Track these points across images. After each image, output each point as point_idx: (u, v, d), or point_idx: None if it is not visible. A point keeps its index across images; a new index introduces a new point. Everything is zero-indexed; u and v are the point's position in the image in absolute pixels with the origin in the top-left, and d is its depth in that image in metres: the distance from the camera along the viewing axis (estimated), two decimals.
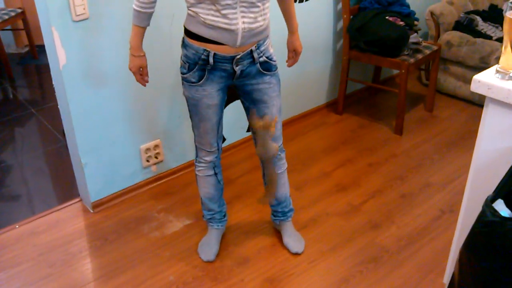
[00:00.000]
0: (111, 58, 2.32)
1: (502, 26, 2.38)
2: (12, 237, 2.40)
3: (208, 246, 2.27)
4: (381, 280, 2.13)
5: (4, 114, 3.61)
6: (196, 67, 1.85)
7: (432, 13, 3.58)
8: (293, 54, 2.18)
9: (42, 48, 2.66)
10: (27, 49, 4.66)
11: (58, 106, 2.43)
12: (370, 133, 3.24)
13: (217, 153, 2.11)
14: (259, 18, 1.78)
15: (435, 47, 3.27)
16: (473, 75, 1.50)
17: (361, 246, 2.31)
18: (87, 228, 2.46)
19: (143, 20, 1.84)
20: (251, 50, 1.84)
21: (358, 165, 2.91)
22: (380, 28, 3.02)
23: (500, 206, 1.27)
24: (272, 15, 1.90)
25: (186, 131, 2.74)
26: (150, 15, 1.84)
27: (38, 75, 4.34)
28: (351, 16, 3.18)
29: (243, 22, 1.75)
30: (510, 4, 1.38)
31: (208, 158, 2.10)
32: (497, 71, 1.45)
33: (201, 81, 1.88)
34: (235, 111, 2.85)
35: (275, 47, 2.00)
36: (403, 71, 3.03)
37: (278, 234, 2.37)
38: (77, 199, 2.65)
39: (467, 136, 3.15)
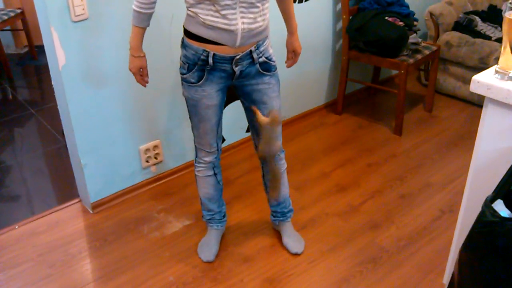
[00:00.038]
0: (110, 59, 2.31)
1: (501, 27, 2.38)
2: (12, 238, 2.40)
3: (208, 247, 2.27)
4: (380, 280, 2.13)
5: (4, 115, 3.61)
6: (196, 68, 1.85)
7: (431, 14, 3.58)
8: (293, 54, 2.18)
9: (41, 48, 2.66)
10: (26, 49, 4.65)
11: (58, 107, 2.43)
12: (370, 133, 3.24)
13: (217, 154, 2.11)
14: (259, 19, 1.79)
15: (434, 48, 3.27)
16: (473, 75, 1.50)
17: (360, 246, 2.31)
18: (86, 228, 2.46)
19: (143, 20, 1.84)
20: (251, 51, 1.85)
21: (357, 165, 2.91)
22: (379, 29, 3.02)
23: (499, 207, 1.27)
24: (271, 15, 1.91)
25: (186, 131, 2.74)
26: (150, 15, 1.84)
27: (38, 76, 4.34)
28: (351, 17, 3.18)
29: (243, 23, 1.75)
30: (509, 5, 1.38)
31: (207, 159, 2.10)
32: (496, 72, 1.45)
33: (200, 82, 1.88)
34: (234, 112, 2.85)
35: (275, 48, 2.01)
36: (402, 71, 3.03)
37: (277, 234, 2.37)
38: (76, 200, 2.65)
39: (467, 136, 3.15)
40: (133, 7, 1.81)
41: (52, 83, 2.36)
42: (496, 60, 1.96)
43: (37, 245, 2.35)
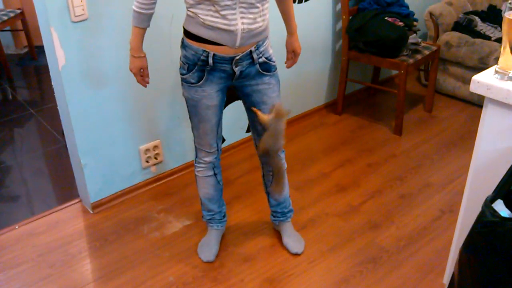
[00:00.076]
0: (110, 59, 2.32)
1: (501, 27, 2.38)
2: (12, 238, 2.40)
3: (208, 247, 2.27)
4: (380, 280, 2.14)
5: (4, 115, 3.61)
6: (196, 68, 1.85)
7: (431, 14, 3.58)
8: (292, 55, 2.18)
9: (41, 49, 2.66)
10: (26, 50, 4.65)
11: (57, 107, 2.43)
12: (370, 133, 3.24)
13: (217, 154, 2.11)
14: (258, 19, 1.79)
15: (434, 48, 3.27)
16: (472, 75, 1.50)
17: (360, 246, 2.31)
18: (86, 228, 2.46)
19: (143, 21, 1.84)
20: (251, 51, 1.85)
21: (357, 165, 2.91)
22: (379, 29, 3.02)
23: (499, 206, 1.27)
24: (271, 16, 1.91)
25: (186, 131, 2.74)
26: (150, 16, 1.84)
27: (37, 76, 4.34)
28: (350, 17, 3.18)
29: (243, 23, 1.75)
30: (509, 5, 1.39)
31: (207, 159, 2.10)
32: (496, 72, 1.46)
33: (200, 82, 1.88)
34: (234, 112, 2.85)
35: (274, 48, 2.01)
36: (402, 71, 3.03)
37: (277, 234, 2.37)
38: (76, 200, 2.65)
39: (467, 137, 3.15)
40: (133, 7, 1.81)
41: (52, 83, 2.36)
42: (496, 60, 1.96)
43: (37, 245, 2.35)
